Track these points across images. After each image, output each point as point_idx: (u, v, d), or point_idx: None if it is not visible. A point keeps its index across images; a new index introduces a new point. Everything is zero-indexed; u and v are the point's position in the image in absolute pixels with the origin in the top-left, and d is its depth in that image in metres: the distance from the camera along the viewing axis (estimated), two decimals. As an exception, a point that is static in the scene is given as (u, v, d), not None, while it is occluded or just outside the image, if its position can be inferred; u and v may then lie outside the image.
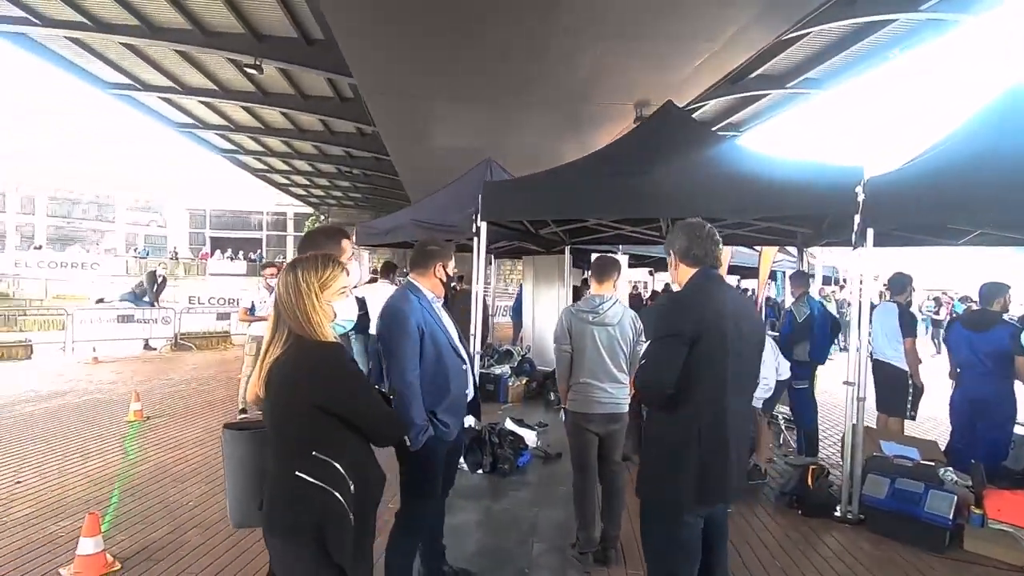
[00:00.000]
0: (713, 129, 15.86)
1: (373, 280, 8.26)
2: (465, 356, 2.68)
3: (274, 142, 19.43)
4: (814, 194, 3.96)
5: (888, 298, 5.38)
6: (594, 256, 4.75)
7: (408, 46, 8.22)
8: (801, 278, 5.54)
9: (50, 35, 11.68)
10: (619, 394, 3.15)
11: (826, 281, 13.65)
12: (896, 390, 4.99)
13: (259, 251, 37.30)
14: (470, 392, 2.75)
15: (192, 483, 4.32)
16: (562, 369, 3.23)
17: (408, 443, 2.38)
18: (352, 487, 1.58)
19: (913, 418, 5.03)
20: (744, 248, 9.73)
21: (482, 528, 3.70)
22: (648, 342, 3.21)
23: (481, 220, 4.83)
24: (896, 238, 5.87)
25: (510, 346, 8.66)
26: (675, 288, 2.20)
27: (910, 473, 3.80)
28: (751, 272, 10.37)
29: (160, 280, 13.92)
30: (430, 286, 2.62)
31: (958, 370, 4.59)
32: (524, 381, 7.48)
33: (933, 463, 3.96)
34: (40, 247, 28.85)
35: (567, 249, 7.45)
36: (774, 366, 4.60)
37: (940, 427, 5.99)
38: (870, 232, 3.81)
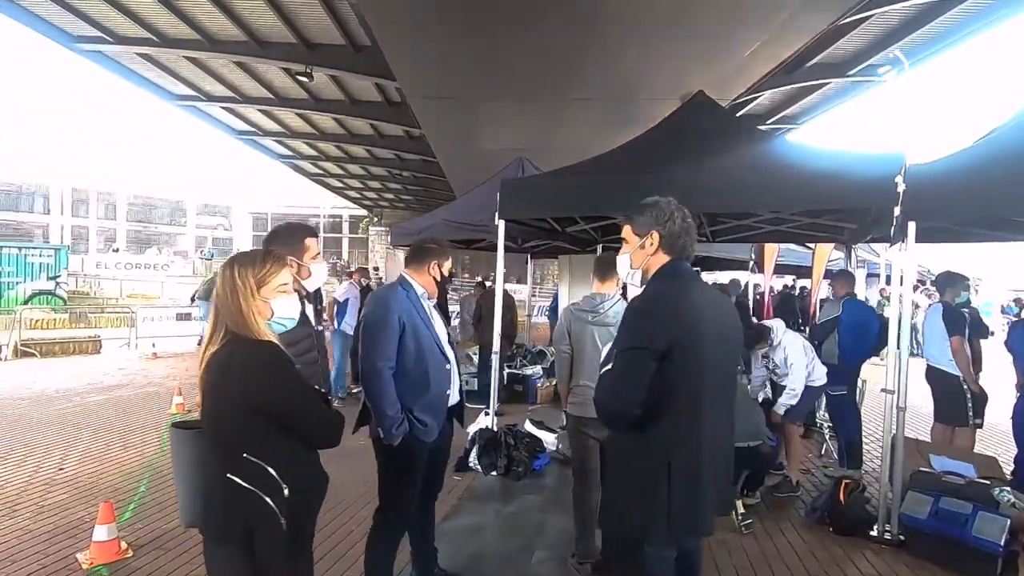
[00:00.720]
0: (769, 122, 15.24)
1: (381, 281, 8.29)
2: (451, 357, 2.61)
3: (327, 147, 20.10)
4: (851, 184, 3.64)
5: (937, 299, 4.92)
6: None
7: (449, 48, 8.30)
8: (843, 277, 5.16)
9: (122, 51, 12.50)
10: None
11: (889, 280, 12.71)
12: (952, 397, 4.56)
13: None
14: (453, 394, 2.67)
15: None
16: (562, 371, 3.10)
17: (382, 436, 2.35)
18: (286, 491, 1.53)
19: (980, 426, 4.58)
20: (796, 246, 9.23)
21: (486, 532, 3.62)
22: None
23: (499, 218, 4.75)
24: (957, 233, 5.39)
25: (544, 347, 8.54)
26: (630, 278, 1.93)
27: (959, 492, 3.43)
28: (805, 271, 9.81)
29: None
30: (423, 282, 2.59)
31: (1024, 379, 4.14)
32: (554, 382, 7.33)
33: (989, 481, 3.57)
34: (117, 249, 31.12)
35: (599, 248, 7.24)
36: (804, 371, 4.29)
37: (1009, 440, 5.44)
38: (911, 225, 3.47)
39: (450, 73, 9.37)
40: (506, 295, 7.85)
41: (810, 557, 3.37)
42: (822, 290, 8.37)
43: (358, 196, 30.86)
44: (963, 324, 4.59)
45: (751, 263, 9.30)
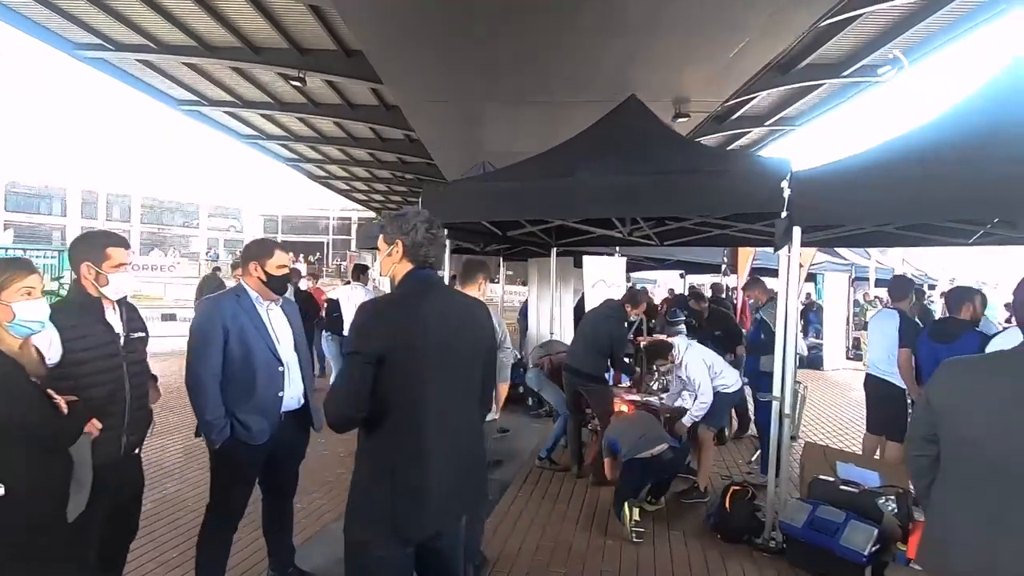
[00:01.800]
0: (768, 123, 15.02)
1: (347, 283, 8.42)
2: (288, 360, 2.64)
3: (331, 150, 20.43)
4: (743, 192, 3.62)
5: (888, 304, 4.79)
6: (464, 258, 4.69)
7: (435, 52, 8.44)
8: (757, 286, 5.11)
9: (123, 58, 12.94)
10: None
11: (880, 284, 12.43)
12: (893, 409, 4.42)
13: (318, 255, 39.20)
14: (293, 397, 2.68)
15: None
16: None
17: (202, 438, 2.44)
18: (1, 489, 1.61)
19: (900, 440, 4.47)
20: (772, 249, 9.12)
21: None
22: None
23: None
24: (905, 238, 5.29)
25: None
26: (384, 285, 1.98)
27: (845, 500, 3.39)
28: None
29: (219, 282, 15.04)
30: (253, 286, 2.63)
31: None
32: (507, 387, 7.36)
33: (883, 490, 3.50)
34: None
35: (554, 251, 7.26)
36: (709, 384, 4.29)
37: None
38: (796, 231, 3.43)
39: (438, 76, 9.50)
40: None
41: (684, 565, 3.36)
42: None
43: (365, 199, 31.27)
44: (914, 337, 4.46)
45: (723, 266, 9.20)
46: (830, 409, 7.69)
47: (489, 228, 5.88)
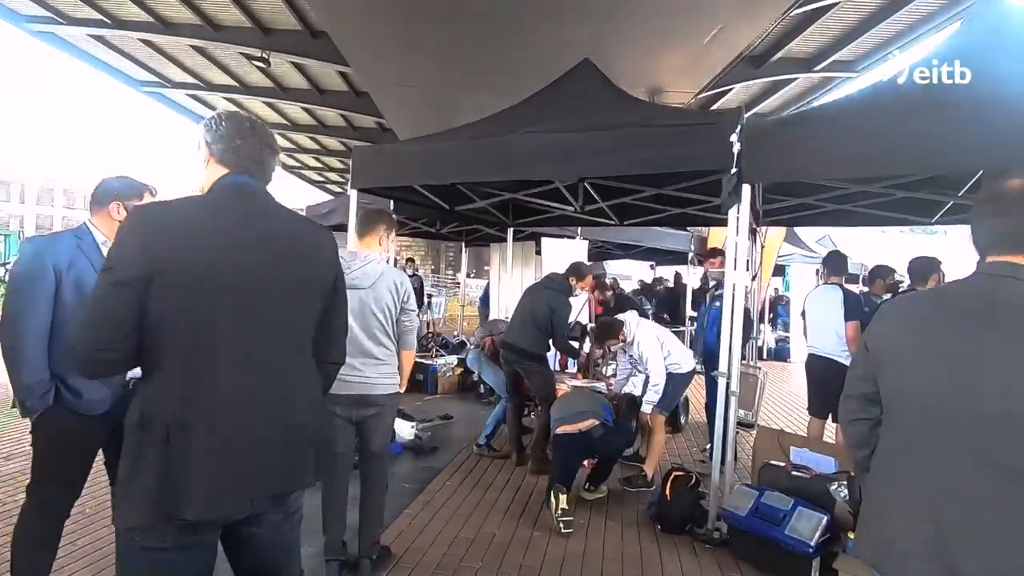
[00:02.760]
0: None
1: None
2: None
3: (301, 138, 19.89)
4: (689, 147, 3.28)
5: (824, 280, 4.54)
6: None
7: (402, 34, 8.08)
8: (720, 254, 4.79)
9: (75, 34, 12.32)
10: (371, 372, 2.63)
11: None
12: (838, 388, 4.15)
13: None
14: None
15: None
16: None
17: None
18: None
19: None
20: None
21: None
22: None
23: (352, 188, 4.42)
24: (869, 216, 5.02)
25: (466, 337, 8.20)
26: None
27: (793, 486, 3.07)
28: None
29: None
30: (105, 228, 2.17)
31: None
32: (459, 372, 7.00)
33: (838, 476, 3.19)
34: None
35: (510, 232, 6.91)
36: (662, 363, 3.96)
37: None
38: (745, 190, 3.11)
39: (404, 60, 9.14)
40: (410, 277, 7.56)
41: (615, 560, 3.00)
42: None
43: (340, 191, 30.60)
44: (860, 308, 4.23)
45: (691, 255, 8.91)
46: (790, 398, 7.43)
47: (437, 202, 5.49)
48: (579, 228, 7.39)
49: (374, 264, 2.66)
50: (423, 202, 5.56)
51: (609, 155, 3.44)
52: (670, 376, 4.05)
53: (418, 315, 9.51)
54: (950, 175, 3.94)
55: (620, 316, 4.34)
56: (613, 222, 6.25)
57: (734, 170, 3.09)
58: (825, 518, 2.75)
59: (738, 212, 3.19)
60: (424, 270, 24.07)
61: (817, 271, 11.99)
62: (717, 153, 3.14)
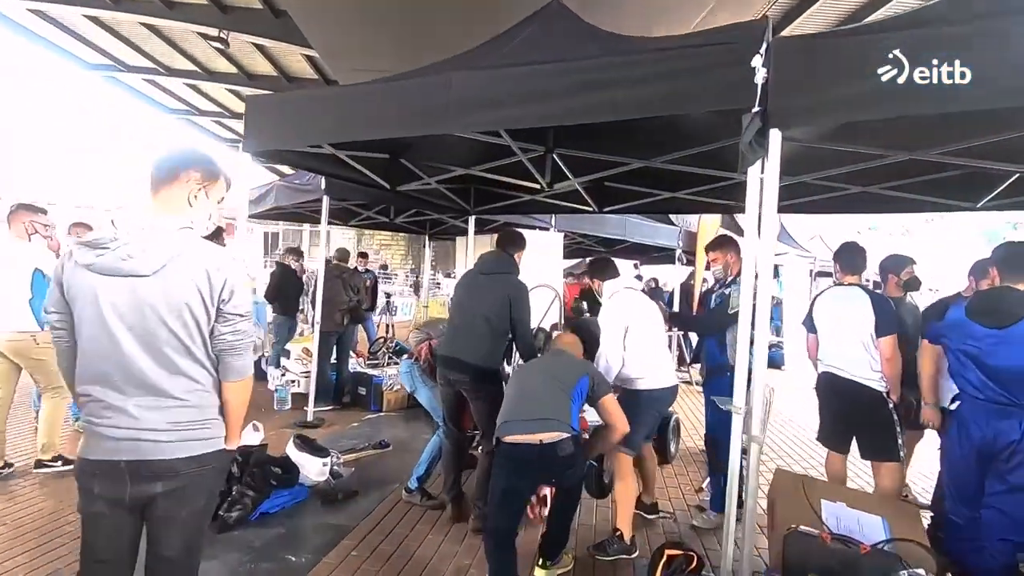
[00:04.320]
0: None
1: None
2: None
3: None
4: (691, 77, 2.26)
5: (837, 279, 3.55)
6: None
7: (358, 10, 7.02)
8: (730, 246, 3.78)
9: (11, 6, 11.10)
10: (157, 420, 1.56)
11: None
12: (872, 420, 3.21)
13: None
14: None
15: None
16: (63, 364, 1.69)
17: None
18: None
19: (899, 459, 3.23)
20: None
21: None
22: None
23: (244, 151, 3.35)
24: (899, 201, 4.05)
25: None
26: None
27: (840, 566, 2.07)
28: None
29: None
30: None
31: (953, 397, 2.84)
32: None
33: (901, 548, 2.20)
34: None
35: (472, 220, 5.86)
36: (618, 348, 3.01)
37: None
38: (775, 136, 2.10)
39: (371, 41, 8.07)
40: (352, 272, 6.48)
41: None
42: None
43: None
44: (896, 319, 3.25)
45: (679, 252, 7.94)
46: (797, 417, 6.44)
47: (371, 178, 4.43)
48: (552, 217, 6.38)
49: (176, 243, 1.59)
50: (358, 178, 4.49)
51: (575, 96, 2.41)
52: (630, 395, 3.05)
53: (375, 315, 8.42)
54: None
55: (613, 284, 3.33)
56: (590, 209, 5.24)
57: (757, 108, 2.08)
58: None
59: (762, 171, 2.17)
60: (404, 270, 22.85)
61: (811, 271, 11.12)
62: (731, 84, 2.13)
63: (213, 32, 10.56)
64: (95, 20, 11.47)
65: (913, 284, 3.77)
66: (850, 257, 3.45)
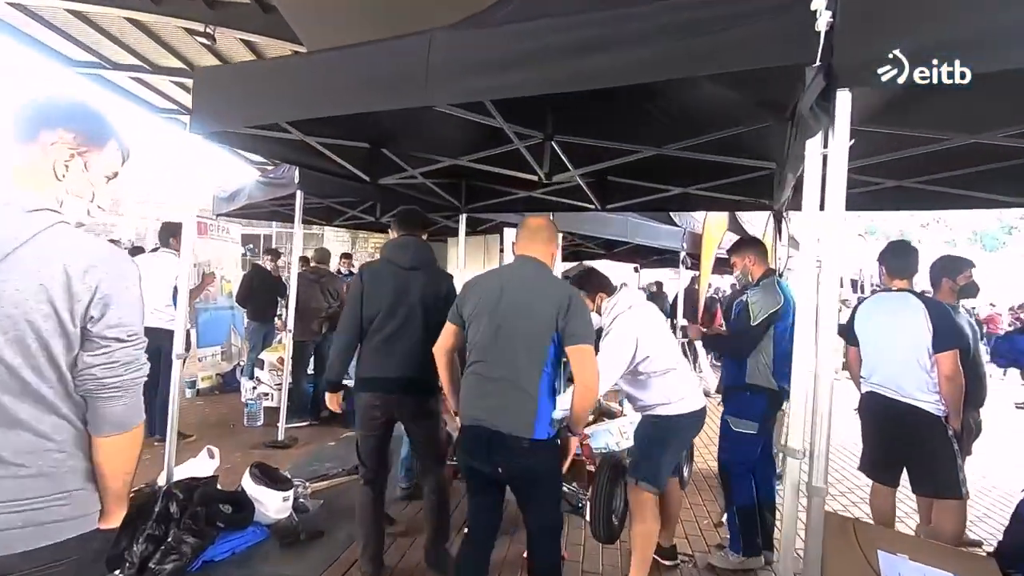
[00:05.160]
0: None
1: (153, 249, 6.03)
2: None
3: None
4: (735, 33, 1.77)
5: (881, 283, 3.10)
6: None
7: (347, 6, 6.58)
8: (752, 248, 3.30)
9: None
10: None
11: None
12: (929, 448, 2.75)
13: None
14: None
15: None
16: None
17: None
18: None
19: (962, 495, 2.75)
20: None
21: None
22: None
23: (191, 131, 2.85)
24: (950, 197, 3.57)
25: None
26: None
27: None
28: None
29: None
30: None
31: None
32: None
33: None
34: None
35: (463, 218, 5.37)
36: (614, 368, 2.45)
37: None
38: (843, 99, 1.62)
39: (361, 39, 7.63)
40: (332, 276, 5.98)
41: None
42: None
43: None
44: (958, 330, 2.79)
45: (683, 255, 7.46)
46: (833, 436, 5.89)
47: (347, 168, 3.94)
48: (551, 216, 5.89)
49: (10, 222, 1.09)
50: (335, 170, 4.00)
51: (585, 55, 1.92)
52: (654, 422, 2.57)
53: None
54: None
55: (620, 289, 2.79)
56: (593, 207, 4.77)
57: (819, 63, 1.60)
58: None
59: (825, 146, 1.69)
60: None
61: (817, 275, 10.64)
62: (785, 33, 1.67)
63: (200, 27, 10.18)
64: (79, 15, 11.00)
65: (970, 290, 3.30)
66: (900, 258, 2.98)
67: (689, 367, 2.77)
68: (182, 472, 2.98)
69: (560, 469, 2.19)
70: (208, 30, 10.38)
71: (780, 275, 4.20)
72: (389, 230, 2.94)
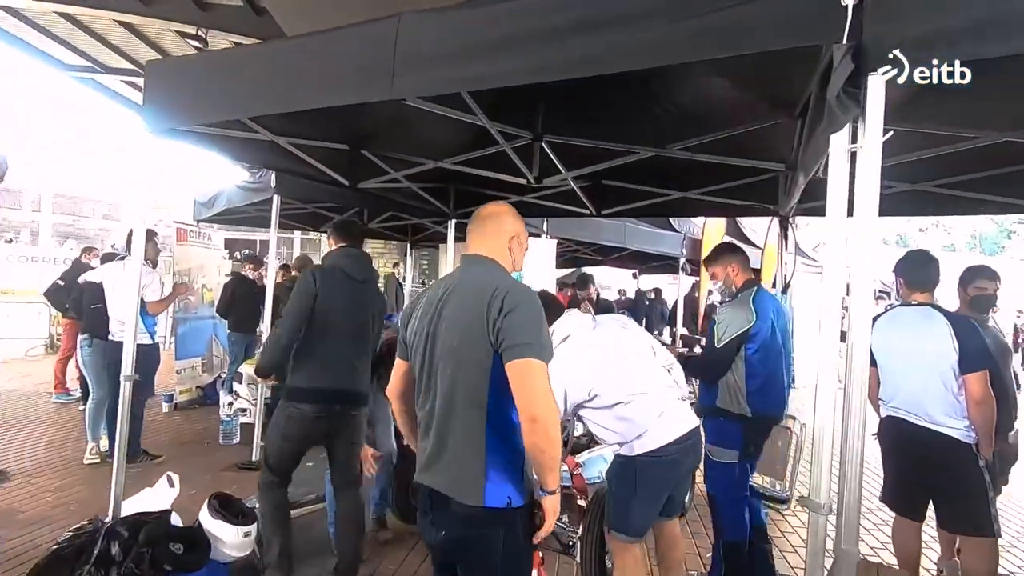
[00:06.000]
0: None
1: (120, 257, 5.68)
2: None
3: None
4: (750, 9, 1.52)
5: (897, 298, 2.84)
6: None
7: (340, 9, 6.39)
8: (732, 254, 3.01)
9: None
10: None
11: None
12: (957, 481, 2.48)
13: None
14: None
15: None
16: None
17: None
18: None
19: (995, 533, 2.48)
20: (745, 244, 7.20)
21: None
22: None
23: (146, 128, 2.59)
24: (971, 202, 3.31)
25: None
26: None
27: None
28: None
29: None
30: None
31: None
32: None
33: None
34: (10, 240, 28.13)
35: (452, 224, 5.11)
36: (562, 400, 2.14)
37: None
38: (875, 85, 1.36)
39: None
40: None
41: None
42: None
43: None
44: (985, 352, 2.51)
45: (682, 262, 7.22)
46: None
47: (325, 172, 3.68)
48: (544, 222, 5.65)
49: None
50: (311, 173, 3.75)
51: (577, 37, 1.66)
52: (623, 461, 2.29)
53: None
54: None
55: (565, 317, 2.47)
56: (588, 212, 4.51)
57: (847, 43, 1.35)
58: None
59: (852, 139, 1.44)
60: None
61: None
62: (807, 9, 1.41)
63: (191, 30, 10.00)
64: (69, 18, 10.81)
65: (981, 303, 3.02)
66: (919, 269, 2.72)
67: (671, 384, 2.43)
68: (134, 505, 2.72)
69: (524, 548, 1.57)
70: (200, 33, 10.21)
71: (787, 284, 3.95)
72: (328, 239, 2.91)
